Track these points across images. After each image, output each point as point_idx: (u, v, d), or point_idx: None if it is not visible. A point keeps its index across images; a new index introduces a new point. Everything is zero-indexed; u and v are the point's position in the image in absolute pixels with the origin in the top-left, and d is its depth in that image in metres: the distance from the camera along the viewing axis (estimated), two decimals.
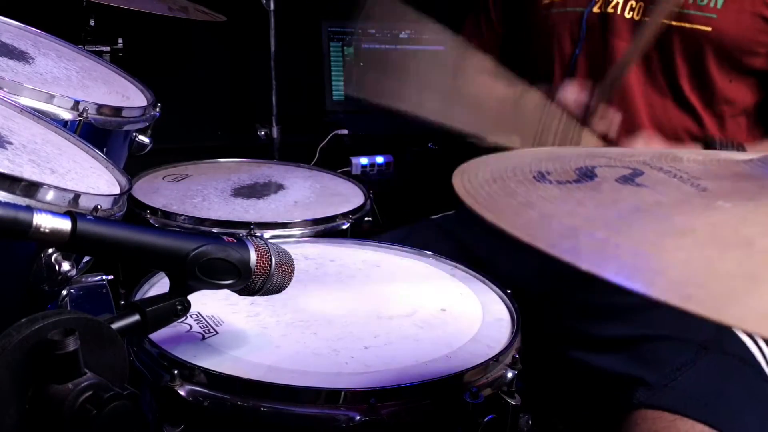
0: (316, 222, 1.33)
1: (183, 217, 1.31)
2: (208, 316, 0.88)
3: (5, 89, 1.00)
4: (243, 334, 0.85)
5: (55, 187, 0.77)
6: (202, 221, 1.30)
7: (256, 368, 0.77)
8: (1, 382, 0.54)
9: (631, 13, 1.29)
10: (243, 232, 1.21)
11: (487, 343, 0.87)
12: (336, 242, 1.20)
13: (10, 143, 0.86)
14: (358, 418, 0.72)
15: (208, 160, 1.70)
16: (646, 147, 1.20)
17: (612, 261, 0.43)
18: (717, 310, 0.38)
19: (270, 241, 0.77)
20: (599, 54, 1.32)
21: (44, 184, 0.76)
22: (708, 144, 1.26)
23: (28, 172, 0.80)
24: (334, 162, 2.17)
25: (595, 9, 1.32)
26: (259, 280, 0.74)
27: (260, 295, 0.77)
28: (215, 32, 2.29)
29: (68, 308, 0.83)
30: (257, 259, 0.74)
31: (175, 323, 0.73)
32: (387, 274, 1.07)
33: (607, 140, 1.22)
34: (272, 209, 1.40)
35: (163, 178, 1.55)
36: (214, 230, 1.27)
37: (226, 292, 0.74)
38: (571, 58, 1.35)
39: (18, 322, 0.56)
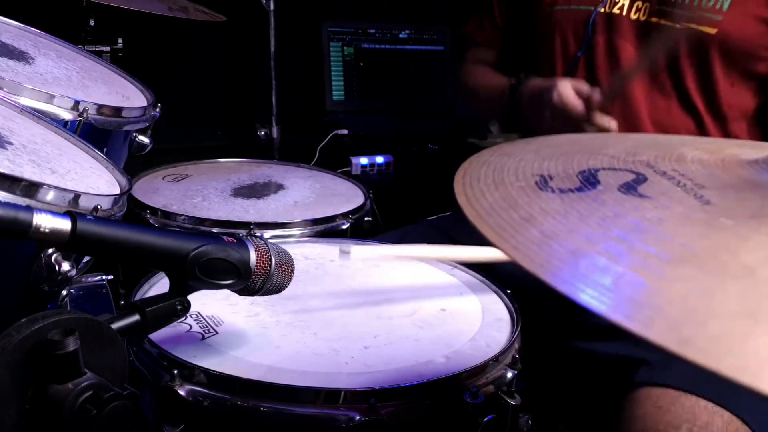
0: (315, 222, 1.33)
1: (183, 217, 1.31)
2: (208, 316, 0.88)
3: (5, 89, 1.00)
4: (243, 334, 0.85)
5: (55, 187, 0.77)
6: (202, 221, 1.30)
7: (255, 368, 0.77)
8: (1, 382, 0.54)
9: (637, 14, 1.29)
10: (243, 232, 1.21)
11: (486, 343, 0.87)
12: (336, 242, 1.19)
13: (10, 143, 0.86)
14: (357, 418, 0.72)
15: (208, 160, 1.70)
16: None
17: (611, 295, 0.43)
18: (716, 358, 0.37)
19: (270, 241, 0.77)
20: (602, 54, 1.32)
21: (44, 184, 0.76)
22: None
23: (28, 173, 0.80)
24: (334, 162, 2.16)
25: (602, 9, 1.32)
26: (259, 280, 0.74)
27: (260, 295, 0.77)
28: (215, 32, 2.29)
29: (68, 308, 0.82)
30: (257, 259, 0.74)
31: (175, 323, 0.73)
32: (387, 274, 1.07)
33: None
34: (272, 209, 1.40)
35: (163, 178, 1.55)
36: (214, 230, 1.27)
37: (226, 292, 0.74)
38: (574, 57, 1.35)
39: (18, 322, 0.56)
